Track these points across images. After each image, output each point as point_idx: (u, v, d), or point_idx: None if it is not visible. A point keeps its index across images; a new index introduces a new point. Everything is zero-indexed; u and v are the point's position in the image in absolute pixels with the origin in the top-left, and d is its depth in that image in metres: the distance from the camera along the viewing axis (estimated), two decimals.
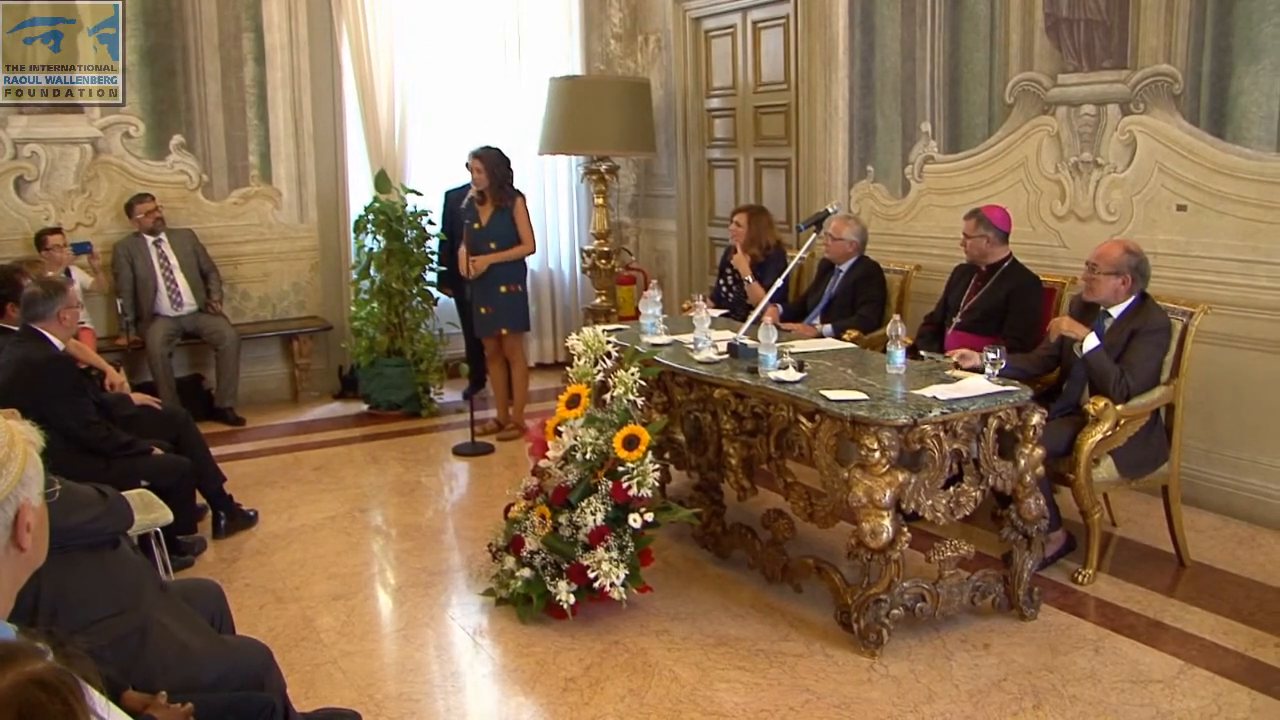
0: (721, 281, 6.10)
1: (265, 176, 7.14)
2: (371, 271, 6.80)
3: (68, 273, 6.10)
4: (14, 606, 1.54)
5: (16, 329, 4.25)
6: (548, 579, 3.78)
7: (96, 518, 2.52)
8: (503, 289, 6.03)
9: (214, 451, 5.04)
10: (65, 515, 2.06)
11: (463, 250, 6.03)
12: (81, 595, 2.40)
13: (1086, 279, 4.10)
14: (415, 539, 4.72)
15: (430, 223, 6.86)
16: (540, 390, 7.01)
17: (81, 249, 6.37)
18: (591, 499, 3.77)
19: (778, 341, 3.89)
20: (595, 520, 3.73)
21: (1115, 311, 4.06)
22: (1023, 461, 3.59)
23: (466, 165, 6.73)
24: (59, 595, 2.33)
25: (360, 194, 7.23)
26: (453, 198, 6.88)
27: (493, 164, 5.96)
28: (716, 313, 4.55)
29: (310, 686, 3.37)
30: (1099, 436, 3.89)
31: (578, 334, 4.27)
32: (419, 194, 6.98)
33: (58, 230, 6.34)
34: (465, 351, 7.16)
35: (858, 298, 5.36)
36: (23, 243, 6.43)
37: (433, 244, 6.93)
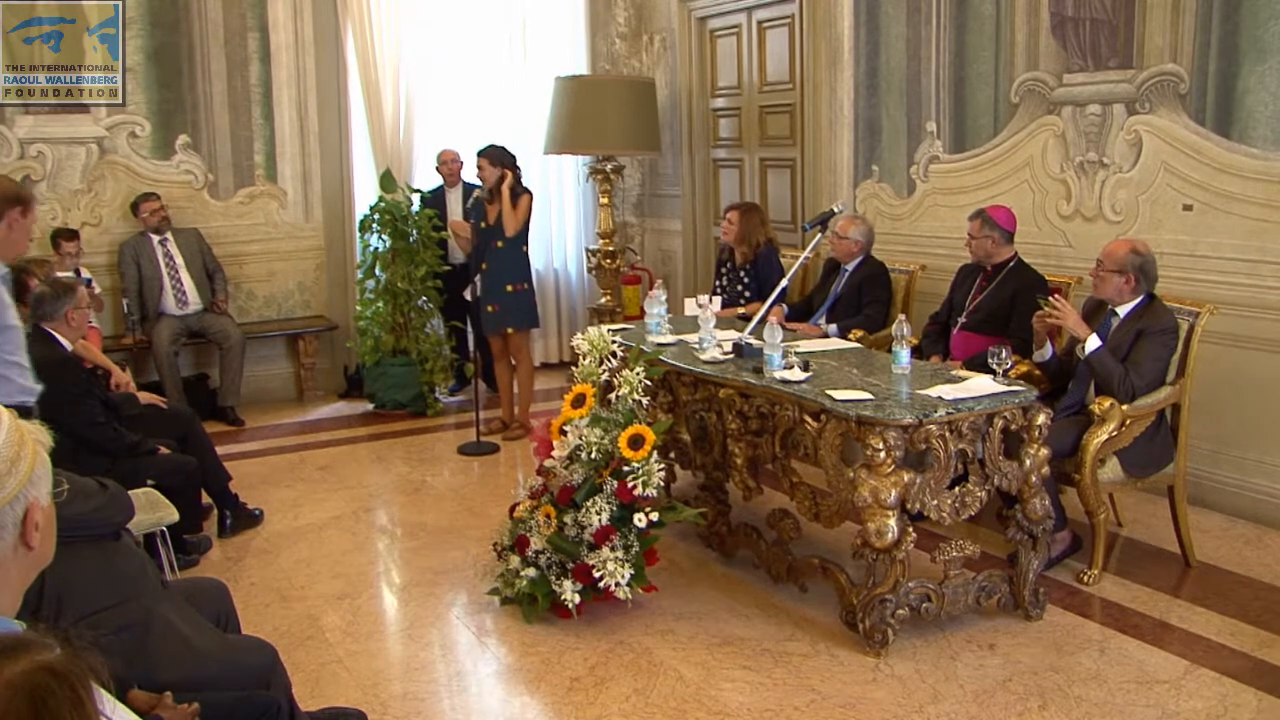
0: (718, 281, 6.09)
1: (270, 176, 7.15)
2: (376, 271, 6.82)
3: (77, 273, 6.10)
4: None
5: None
6: (553, 578, 3.78)
7: (98, 508, 2.52)
8: (509, 287, 6.04)
9: (219, 451, 5.05)
10: (66, 504, 2.06)
11: (454, 222, 6.43)
12: (84, 585, 2.40)
13: (1094, 275, 4.12)
14: (420, 538, 4.72)
15: (436, 226, 6.85)
16: (545, 390, 7.02)
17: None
18: (597, 499, 3.77)
19: (783, 341, 3.89)
20: (600, 520, 3.73)
21: (1122, 311, 4.06)
22: (1028, 461, 3.58)
23: (436, 168, 6.90)
24: (63, 585, 2.33)
25: (365, 193, 7.23)
26: (428, 197, 7.08)
27: (496, 161, 5.98)
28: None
29: (316, 685, 3.37)
30: (1105, 436, 3.88)
31: (583, 334, 4.27)
32: (424, 193, 6.99)
33: (74, 236, 6.35)
34: (451, 343, 7.21)
35: (863, 297, 5.36)
36: (36, 243, 6.43)
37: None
